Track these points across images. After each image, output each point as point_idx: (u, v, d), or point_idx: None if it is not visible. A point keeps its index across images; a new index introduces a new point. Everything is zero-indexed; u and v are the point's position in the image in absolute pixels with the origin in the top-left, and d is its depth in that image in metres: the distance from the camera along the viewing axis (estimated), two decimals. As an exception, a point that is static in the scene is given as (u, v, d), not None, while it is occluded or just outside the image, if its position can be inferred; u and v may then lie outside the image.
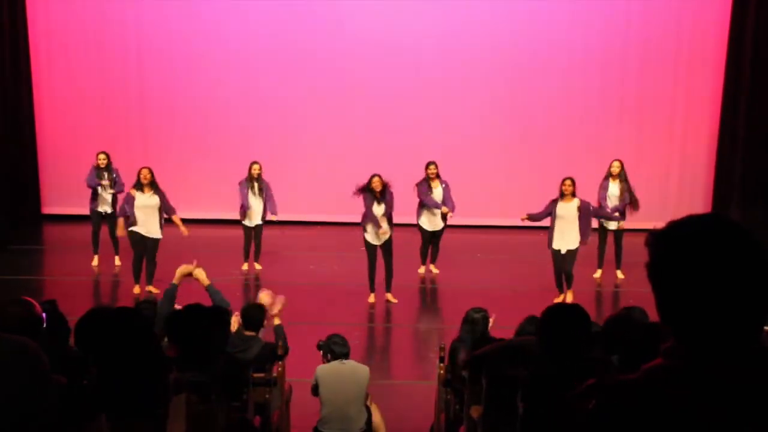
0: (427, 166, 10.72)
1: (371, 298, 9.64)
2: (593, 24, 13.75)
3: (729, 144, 13.76)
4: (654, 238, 1.53)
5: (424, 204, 10.65)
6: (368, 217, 9.43)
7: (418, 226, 10.84)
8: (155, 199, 9.64)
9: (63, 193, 13.90)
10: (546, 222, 9.76)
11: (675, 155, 14.13)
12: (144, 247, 9.65)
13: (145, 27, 13.97)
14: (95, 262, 11.02)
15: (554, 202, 9.47)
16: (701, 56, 13.87)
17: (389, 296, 9.69)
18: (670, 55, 13.86)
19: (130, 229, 9.57)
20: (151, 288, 9.62)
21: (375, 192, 9.39)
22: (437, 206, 10.56)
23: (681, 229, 1.50)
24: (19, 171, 13.99)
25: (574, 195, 9.37)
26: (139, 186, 9.61)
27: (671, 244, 1.50)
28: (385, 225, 9.49)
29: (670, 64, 13.88)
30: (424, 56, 13.79)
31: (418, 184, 10.71)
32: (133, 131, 14.25)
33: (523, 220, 9.86)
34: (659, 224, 1.57)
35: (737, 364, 1.44)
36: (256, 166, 10.75)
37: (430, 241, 10.88)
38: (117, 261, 11.01)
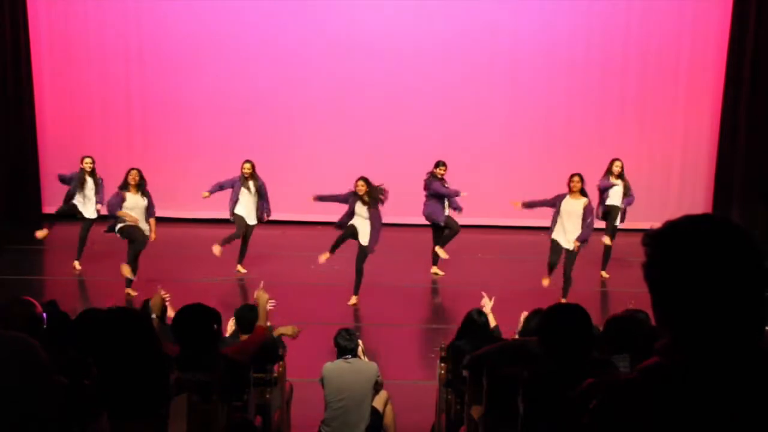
0: (439, 166, 10.62)
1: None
2: (594, 23, 13.76)
3: (730, 144, 13.77)
4: (650, 238, 1.54)
5: (446, 196, 10.53)
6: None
7: (438, 224, 10.66)
8: (144, 201, 9.72)
9: (64, 193, 13.87)
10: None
11: (676, 155, 14.14)
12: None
13: (146, 27, 13.98)
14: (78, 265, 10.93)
15: (560, 196, 9.32)
16: (702, 57, 13.88)
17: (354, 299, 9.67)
18: (671, 56, 13.87)
19: (121, 226, 9.57)
20: (129, 291, 9.54)
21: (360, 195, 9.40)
22: (457, 194, 10.54)
23: (677, 229, 1.51)
24: (20, 171, 13.99)
25: (583, 193, 9.23)
26: (126, 186, 9.63)
27: (668, 244, 1.50)
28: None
29: (671, 65, 13.89)
30: (425, 56, 13.79)
31: (432, 181, 10.56)
32: (134, 131, 14.26)
33: (515, 206, 9.73)
34: (658, 224, 1.57)
35: (734, 363, 1.44)
36: (247, 165, 10.67)
37: (443, 232, 10.80)
38: (77, 265, 10.89)
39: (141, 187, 9.68)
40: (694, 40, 13.80)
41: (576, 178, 9.21)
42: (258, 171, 10.87)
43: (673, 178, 14.12)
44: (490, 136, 13.96)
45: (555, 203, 9.37)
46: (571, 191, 9.21)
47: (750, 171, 13.60)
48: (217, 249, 10.45)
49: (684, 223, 1.51)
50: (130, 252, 9.57)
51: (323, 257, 9.70)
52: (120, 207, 9.49)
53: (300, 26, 13.89)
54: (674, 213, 1.57)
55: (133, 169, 9.75)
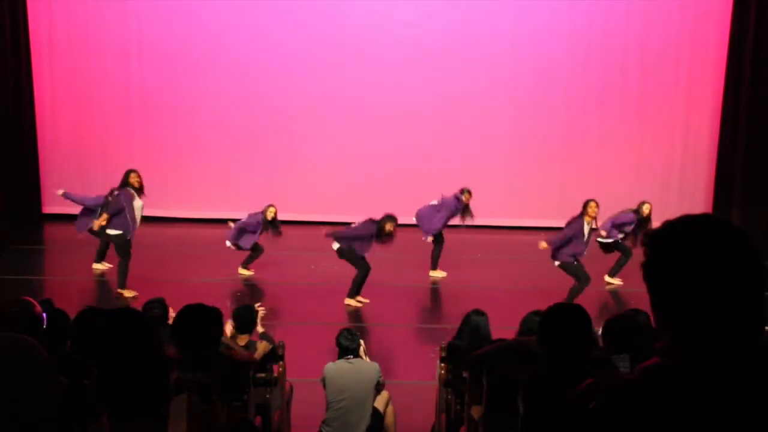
0: (463, 192, 10.77)
1: (355, 303, 9.59)
2: (594, 25, 13.77)
3: (730, 144, 13.78)
4: (649, 238, 1.54)
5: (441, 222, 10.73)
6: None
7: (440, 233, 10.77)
8: (142, 202, 9.59)
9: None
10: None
11: (676, 155, 14.15)
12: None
13: (146, 26, 13.99)
14: (103, 266, 10.89)
15: (579, 222, 9.13)
16: (702, 57, 13.89)
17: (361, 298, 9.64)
18: (671, 56, 13.88)
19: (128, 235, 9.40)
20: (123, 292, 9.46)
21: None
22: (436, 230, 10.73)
23: (676, 230, 1.51)
24: (20, 170, 14.00)
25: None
26: (133, 189, 9.44)
27: (667, 245, 1.50)
28: None
29: (671, 65, 13.89)
30: (427, 58, 13.79)
31: (450, 203, 10.70)
32: (134, 131, 14.27)
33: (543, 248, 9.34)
34: (657, 224, 1.57)
35: (734, 363, 1.44)
36: (273, 209, 10.58)
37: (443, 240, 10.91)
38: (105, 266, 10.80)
39: (141, 190, 9.56)
40: (694, 40, 13.81)
41: (594, 204, 9.16)
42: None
43: (673, 178, 14.13)
44: (490, 137, 13.96)
45: (576, 232, 9.14)
46: (588, 215, 9.15)
47: (750, 171, 13.61)
48: (244, 271, 10.72)
49: (683, 224, 1.51)
50: (122, 266, 9.47)
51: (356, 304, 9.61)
52: (131, 206, 9.37)
53: (302, 28, 13.89)
54: (674, 213, 1.57)
55: (133, 171, 9.57)
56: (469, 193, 10.80)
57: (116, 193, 9.55)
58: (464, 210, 10.85)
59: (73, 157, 13.74)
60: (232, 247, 10.59)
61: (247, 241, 10.55)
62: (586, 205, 9.23)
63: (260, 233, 10.58)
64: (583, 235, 9.15)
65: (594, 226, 9.29)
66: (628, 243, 10.35)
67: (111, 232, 9.53)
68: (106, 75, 14.07)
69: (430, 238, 10.71)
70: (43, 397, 2.72)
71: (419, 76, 13.82)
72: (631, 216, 10.32)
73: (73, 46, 14.04)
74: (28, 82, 14.02)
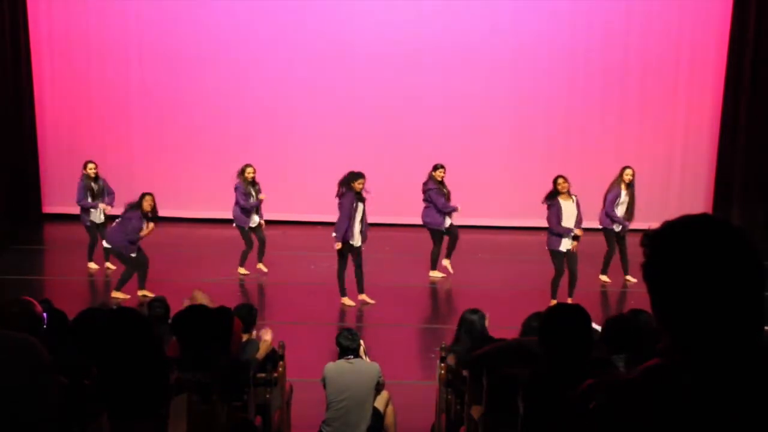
0: (437, 169, 10.60)
1: (349, 301, 9.56)
2: (595, 25, 13.76)
3: (730, 144, 13.77)
4: (649, 238, 1.54)
5: (445, 211, 10.50)
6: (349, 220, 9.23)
7: (437, 230, 10.60)
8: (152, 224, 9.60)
9: (64, 193, 13.90)
10: (544, 223, 9.60)
11: (676, 155, 14.15)
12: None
13: (146, 26, 13.99)
14: (93, 265, 10.92)
15: (556, 201, 9.15)
16: (702, 57, 13.88)
17: (366, 297, 9.56)
18: (672, 56, 13.87)
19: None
20: (146, 292, 9.46)
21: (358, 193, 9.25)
22: (455, 209, 10.53)
23: (676, 230, 1.51)
24: (21, 170, 13.99)
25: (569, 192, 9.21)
26: (144, 214, 9.38)
27: (666, 245, 1.50)
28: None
29: (671, 65, 13.89)
30: (425, 57, 13.79)
31: (432, 191, 10.50)
32: (134, 131, 14.27)
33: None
34: (657, 224, 1.57)
35: (734, 363, 1.45)
36: (250, 170, 10.58)
37: (443, 240, 10.75)
38: (109, 264, 10.78)
39: (153, 213, 9.50)
40: (694, 40, 13.80)
41: (562, 179, 9.15)
42: (258, 171, 10.83)
43: (673, 178, 14.13)
44: (491, 136, 13.95)
45: (556, 208, 9.14)
46: (561, 193, 9.14)
47: (750, 171, 13.61)
48: (242, 270, 10.70)
49: (682, 224, 1.51)
50: (141, 276, 9.55)
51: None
52: (138, 235, 9.36)
53: (302, 28, 13.89)
54: (674, 213, 1.57)
55: (148, 194, 9.49)
56: (442, 168, 10.61)
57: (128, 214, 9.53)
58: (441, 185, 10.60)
59: (73, 157, 13.72)
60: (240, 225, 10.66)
61: (245, 218, 10.54)
62: (555, 183, 9.18)
63: (250, 199, 10.52)
64: (563, 211, 9.10)
65: (575, 205, 9.23)
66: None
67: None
68: (106, 75, 14.07)
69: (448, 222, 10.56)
70: (43, 397, 2.72)
71: (419, 76, 13.81)
72: (616, 190, 10.22)
73: (73, 46, 14.03)
74: (28, 82, 14.02)
